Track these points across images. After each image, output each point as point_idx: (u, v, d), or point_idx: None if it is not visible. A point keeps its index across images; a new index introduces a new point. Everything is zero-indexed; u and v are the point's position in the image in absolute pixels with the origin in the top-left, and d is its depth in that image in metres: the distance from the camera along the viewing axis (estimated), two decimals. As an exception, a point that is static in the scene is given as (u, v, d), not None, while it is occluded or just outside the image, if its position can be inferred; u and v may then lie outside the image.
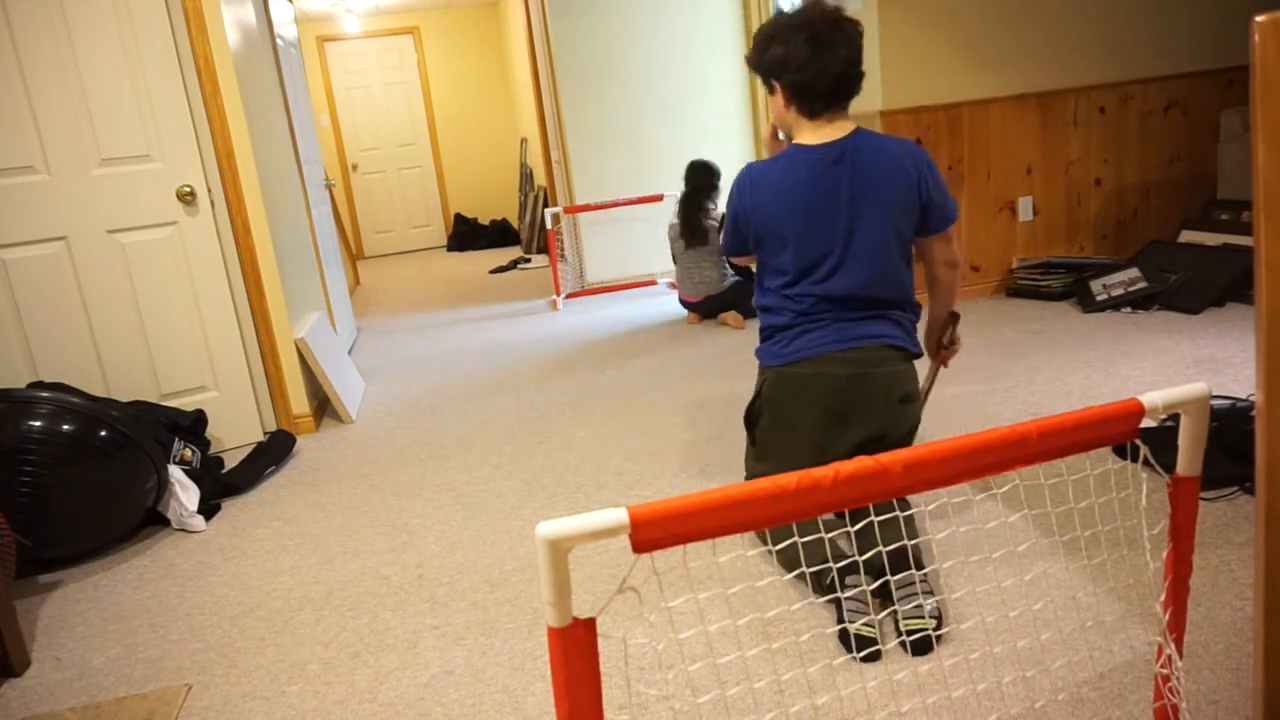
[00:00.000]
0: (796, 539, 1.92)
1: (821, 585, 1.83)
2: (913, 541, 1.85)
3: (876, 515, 1.95)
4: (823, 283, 2.00)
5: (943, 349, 2.27)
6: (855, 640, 1.65)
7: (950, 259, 2.10)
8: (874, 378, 1.95)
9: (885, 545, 1.85)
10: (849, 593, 1.74)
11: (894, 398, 1.97)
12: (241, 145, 3.15)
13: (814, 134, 1.99)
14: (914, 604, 1.70)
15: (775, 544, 2.06)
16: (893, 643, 1.68)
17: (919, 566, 1.81)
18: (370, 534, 2.46)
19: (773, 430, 2.10)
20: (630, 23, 5.35)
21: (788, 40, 1.93)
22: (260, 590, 2.21)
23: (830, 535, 1.87)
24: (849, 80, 1.95)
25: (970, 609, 1.76)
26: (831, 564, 1.79)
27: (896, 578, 1.76)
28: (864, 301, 2.00)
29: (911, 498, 2.32)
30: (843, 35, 1.91)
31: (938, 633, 1.65)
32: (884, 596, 1.81)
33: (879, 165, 1.95)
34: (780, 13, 1.99)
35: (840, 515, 2.11)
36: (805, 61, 1.91)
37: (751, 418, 2.17)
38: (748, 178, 2.06)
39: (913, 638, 1.65)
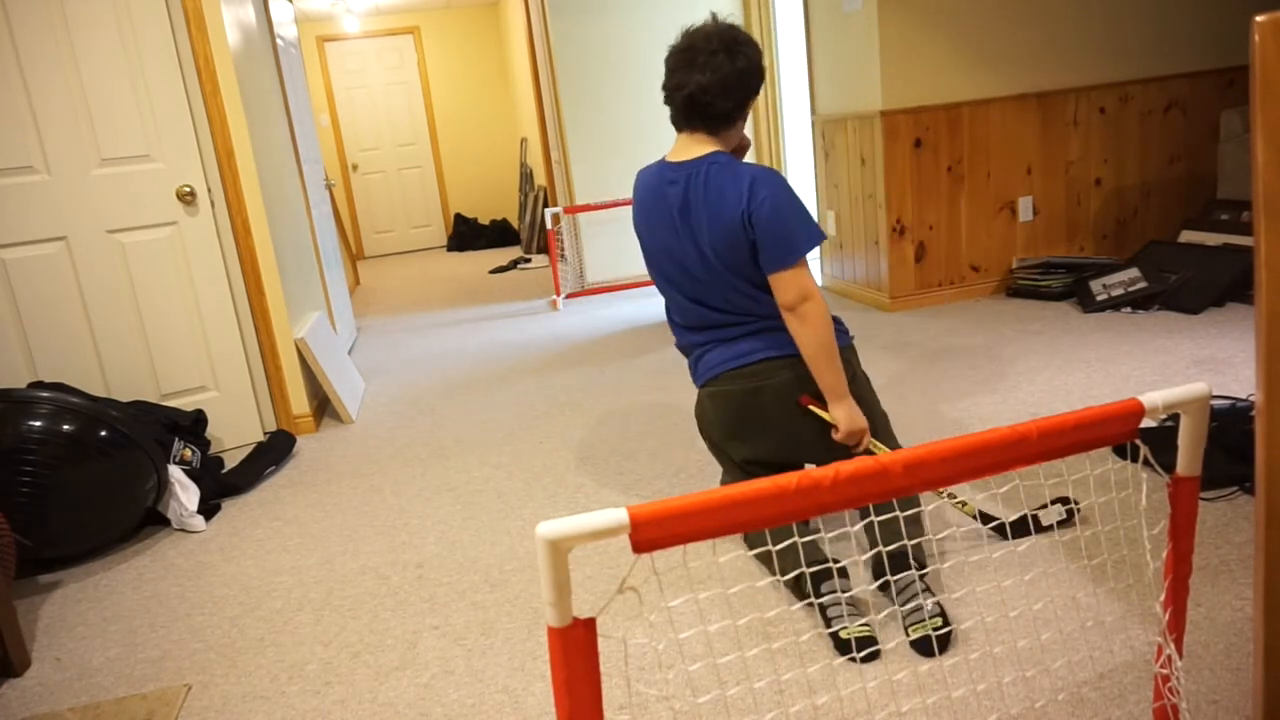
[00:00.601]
0: (770, 546, 1.91)
1: (801, 592, 1.83)
2: (913, 541, 1.85)
3: (877, 515, 1.95)
4: (686, 298, 2.01)
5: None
6: (855, 642, 1.65)
7: (786, 302, 1.88)
8: (766, 389, 1.95)
9: (886, 545, 1.85)
10: (825, 599, 1.75)
11: (792, 403, 1.96)
12: (241, 145, 3.15)
13: (676, 150, 1.98)
14: (914, 605, 1.70)
15: (753, 548, 2.07)
16: (893, 643, 1.68)
17: (920, 566, 1.81)
18: (370, 534, 2.46)
19: (712, 450, 2.17)
20: (630, 23, 5.35)
21: (672, 49, 1.94)
22: (260, 590, 2.21)
23: (807, 540, 1.87)
24: (698, 105, 1.89)
25: (970, 609, 1.76)
26: (805, 568, 1.78)
27: (896, 578, 1.76)
28: (729, 319, 1.98)
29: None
30: (714, 60, 1.86)
31: (941, 632, 1.65)
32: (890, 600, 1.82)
33: (709, 194, 1.90)
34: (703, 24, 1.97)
35: (865, 512, 2.09)
36: (669, 74, 1.93)
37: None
38: (637, 178, 2.08)
39: (914, 637, 1.65)
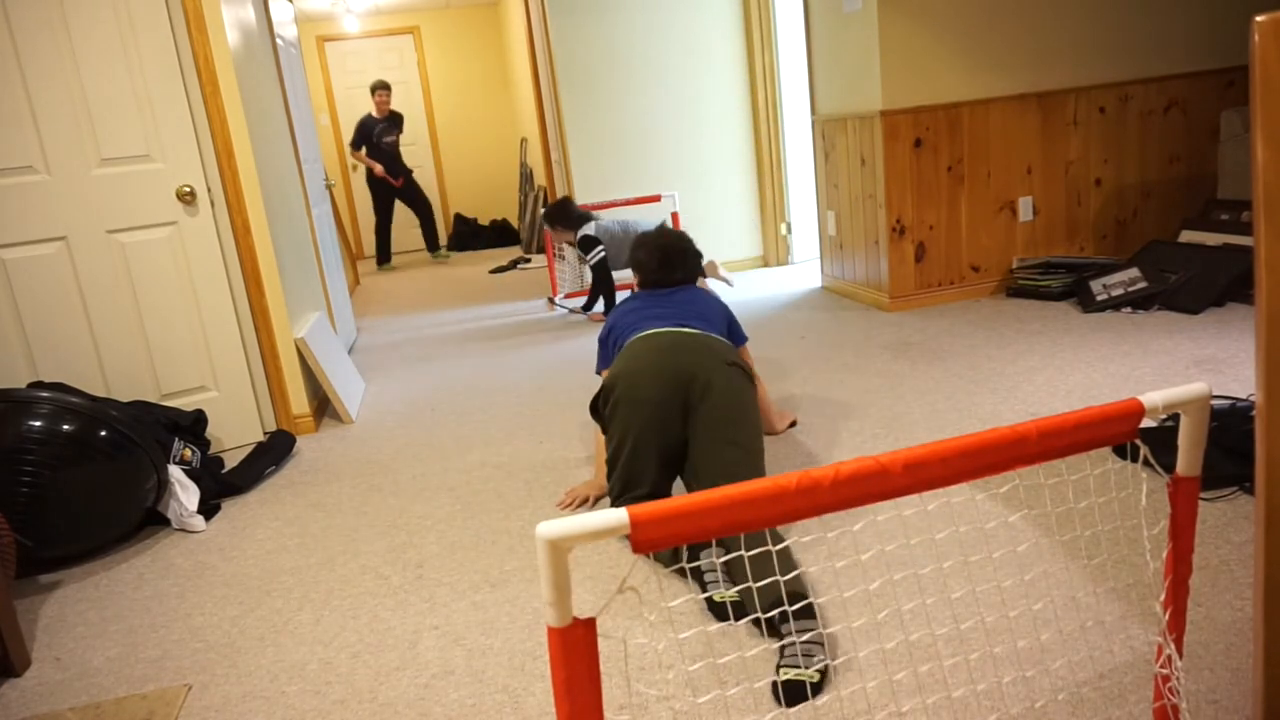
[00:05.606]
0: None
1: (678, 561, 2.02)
2: (788, 576, 1.75)
3: (748, 550, 1.86)
4: None
5: None
6: (719, 608, 1.80)
7: None
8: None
9: (760, 581, 1.76)
10: (703, 565, 1.91)
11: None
12: (241, 145, 3.15)
13: None
14: (792, 650, 1.57)
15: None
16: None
17: (799, 600, 1.67)
18: (370, 534, 2.46)
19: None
20: (630, 23, 5.35)
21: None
22: (260, 590, 2.21)
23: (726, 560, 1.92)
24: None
25: (970, 609, 1.76)
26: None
27: (792, 615, 1.62)
28: None
29: (912, 498, 2.31)
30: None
31: (815, 681, 1.53)
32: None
33: None
34: None
35: (722, 545, 1.97)
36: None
37: None
38: None
39: (786, 679, 1.53)
